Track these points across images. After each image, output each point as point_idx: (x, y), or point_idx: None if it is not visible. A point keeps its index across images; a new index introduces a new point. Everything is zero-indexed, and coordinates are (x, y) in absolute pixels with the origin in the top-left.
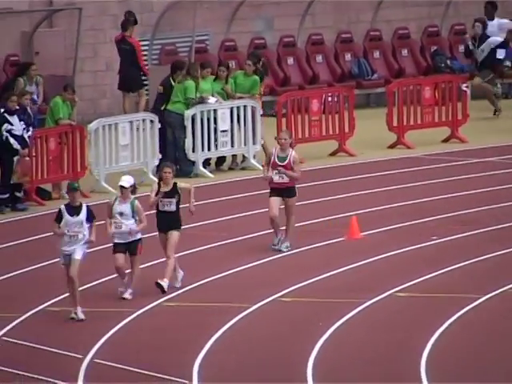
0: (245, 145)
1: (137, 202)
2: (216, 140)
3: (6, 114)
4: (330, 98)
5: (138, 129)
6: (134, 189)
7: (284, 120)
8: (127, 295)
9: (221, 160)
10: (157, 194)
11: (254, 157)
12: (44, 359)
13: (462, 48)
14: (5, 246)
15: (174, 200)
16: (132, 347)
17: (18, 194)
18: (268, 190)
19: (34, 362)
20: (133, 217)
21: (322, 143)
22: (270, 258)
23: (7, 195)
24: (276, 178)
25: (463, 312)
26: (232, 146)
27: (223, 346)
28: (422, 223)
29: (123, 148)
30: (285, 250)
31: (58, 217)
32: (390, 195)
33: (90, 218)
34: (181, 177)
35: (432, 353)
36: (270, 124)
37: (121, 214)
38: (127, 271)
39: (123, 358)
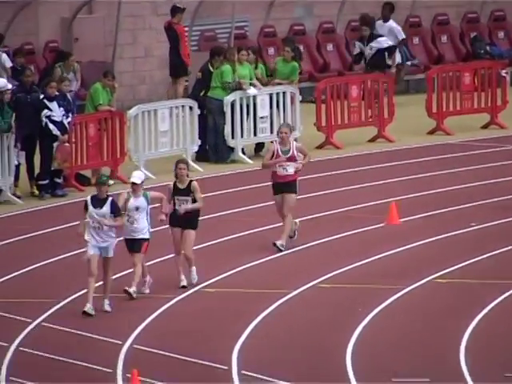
0: None
1: (149, 192)
2: (255, 126)
3: (45, 101)
4: (369, 84)
5: (177, 115)
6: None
7: (323, 106)
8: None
9: (259, 146)
10: (174, 194)
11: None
12: (83, 345)
13: (501, 34)
14: (45, 231)
15: (189, 198)
16: (171, 333)
17: (57, 180)
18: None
19: (73, 347)
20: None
21: (361, 129)
22: (309, 244)
23: (47, 181)
24: (280, 171)
25: (502, 298)
26: (271, 132)
27: (262, 332)
28: (461, 209)
29: (162, 134)
30: (282, 248)
31: (85, 206)
32: (429, 181)
33: (115, 211)
34: (219, 163)
35: (471, 338)
36: (310, 110)
37: (137, 208)
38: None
39: (162, 344)
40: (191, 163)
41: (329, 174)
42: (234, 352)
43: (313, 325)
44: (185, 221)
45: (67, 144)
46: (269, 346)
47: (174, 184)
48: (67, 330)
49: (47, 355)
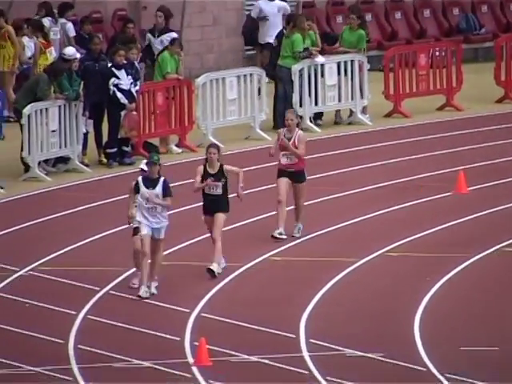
0: (352, 99)
1: (162, 178)
2: (323, 94)
3: (113, 69)
4: (437, 53)
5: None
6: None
7: (391, 74)
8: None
9: (319, 114)
10: (203, 178)
11: (363, 110)
12: (151, 314)
13: None
14: (113, 199)
15: (219, 184)
16: (238, 302)
17: (125, 149)
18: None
19: (141, 316)
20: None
21: (429, 98)
22: (379, 213)
23: (115, 149)
24: (284, 161)
25: None
26: (339, 100)
27: (330, 300)
28: None
29: (230, 102)
30: (297, 234)
31: (135, 188)
32: (497, 149)
33: (167, 192)
34: None
35: None
36: (378, 79)
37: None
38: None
39: (229, 313)
40: (259, 132)
41: (397, 142)
42: (302, 320)
43: (380, 293)
44: (213, 207)
45: (134, 112)
46: (336, 314)
47: (204, 168)
48: (135, 298)
49: (115, 323)
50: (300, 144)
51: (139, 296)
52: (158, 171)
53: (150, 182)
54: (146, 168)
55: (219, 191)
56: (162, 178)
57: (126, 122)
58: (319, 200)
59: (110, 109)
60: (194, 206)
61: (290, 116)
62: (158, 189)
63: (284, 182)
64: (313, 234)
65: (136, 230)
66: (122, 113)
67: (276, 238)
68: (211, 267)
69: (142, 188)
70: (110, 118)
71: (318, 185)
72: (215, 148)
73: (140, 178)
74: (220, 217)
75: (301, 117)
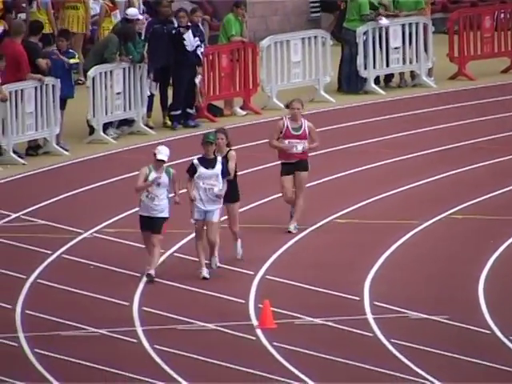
0: (416, 62)
1: (172, 169)
2: (388, 57)
3: (180, 29)
4: (502, 15)
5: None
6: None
7: (456, 37)
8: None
9: (389, 77)
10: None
11: (428, 73)
12: (217, 275)
13: None
14: (178, 161)
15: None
16: (303, 264)
17: (189, 111)
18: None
19: (204, 279)
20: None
21: (493, 60)
22: (443, 175)
23: (179, 112)
24: (290, 149)
25: None
26: (403, 62)
27: (394, 263)
28: None
29: (295, 65)
30: (294, 230)
31: (191, 170)
32: None
33: (225, 172)
34: (351, 93)
35: None
36: (442, 41)
37: (158, 184)
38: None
39: (294, 275)
40: (324, 94)
41: (461, 104)
42: (366, 283)
43: (444, 256)
44: (224, 196)
45: (200, 76)
46: (400, 277)
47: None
48: (196, 260)
49: (180, 286)
50: (313, 134)
51: (204, 278)
52: (214, 150)
53: (208, 163)
54: (164, 158)
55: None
56: (219, 158)
57: (202, 89)
58: (383, 163)
59: (176, 71)
60: (254, 169)
61: (296, 105)
62: (217, 169)
63: (289, 180)
64: (376, 196)
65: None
66: (197, 81)
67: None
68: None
69: (201, 169)
70: (176, 81)
71: (382, 147)
72: (223, 133)
73: (196, 160)
74: (235, 208)
75: (365, 79)
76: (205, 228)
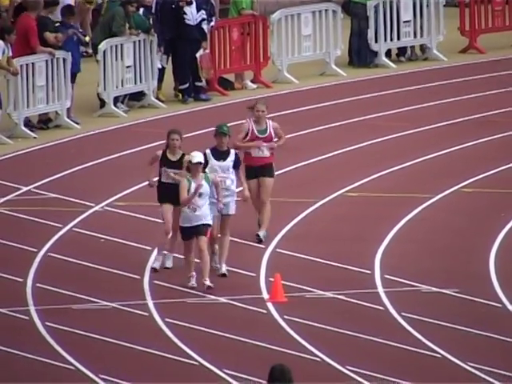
0: (428, 35)
1: (210, 174)
2: (399, 30)
3: (180, 3)
4: None
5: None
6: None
7: (467, 10)
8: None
9: (402, 51)
10: (163, 164)
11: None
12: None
13: None
14: (188, 135)
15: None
16: (314, 237)
17: (198, 84)
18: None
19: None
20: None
21: (504, 33)
22: (453, 149)
23: (187, 85)
24: (256, 153)
25: None
26: (414, 36)
27: (405, 237)
28: None
29: (305, 38)
30: (263, 238)
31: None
32: None
33: (238, 164)
34: (362, 67)
35: None
36: (453, 14)
37: (200, 194)
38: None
39: (305, 249)
40: (335, 68)
41: (471, 78)
42: (377, 257)
43: (455, 230)
44: (174, 197)
45: (207, 51)
46: (411, 250)
47: (164, 154)
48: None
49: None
50: (279, 132)
51: (222, 274)
52: (227, 142)
53: (220, 154)
54: (201, 160)
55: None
56: (232, 150)
57: (204, 64)
58: (393, 136)
59: (179, 45)
60: None
61: (260, 107)
62: (229, 161)
63: (255, 183)
64: (388, 169)
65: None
66: (197, 55)
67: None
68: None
69: (212, 160)
70: (179, 55)
71: (393, 121)
72: (177, 134)
73: (208, 151)
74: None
75: (376, 53)
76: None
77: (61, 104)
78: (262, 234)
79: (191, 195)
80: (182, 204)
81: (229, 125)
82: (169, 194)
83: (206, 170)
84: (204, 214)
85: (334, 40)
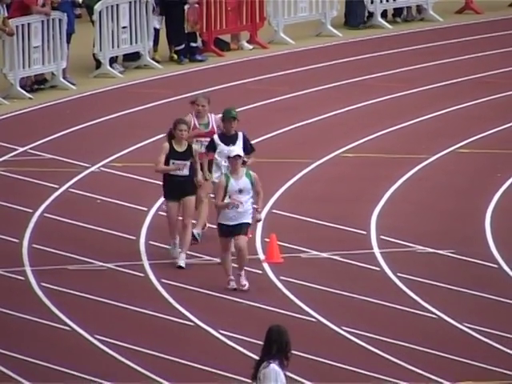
0: None
1: (252, 172)
2: None
3: None
4: None
5: None
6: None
7: None
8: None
9: (398, 11)
10: (168, 156)
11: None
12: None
13: None
14: (186, 96)
15: (187, 163)
16: (309, 198)
17: (193, 45)
18: None
19: (211, 209)
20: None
21: None
22: (449, 110)
23: (183, 46)
24: (197, 147)
25: None
26: None
27: (401, 197)
28: None
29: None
30: (198, 237)
31: (211, 146)
32: None
33: (248, 148)
34: (356, 27)
35: None
36: None
37: (240, 190)
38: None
39: (300, 209)
40: (331, 28)
41: (467, 39)
42: (373, 217)
43: (451, 190)
44: (184, 188)
45: (197, 5)
46: (407, 211)
47: (171, 145)
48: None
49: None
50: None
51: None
52: (235, 127)
53: (228, 139)
54: (240, 153)
55: (186, 172)
56: (240, 133)
57: (190, 16)
58: (389, 97)
59: (173, 6)
60: (263, 102)
61: (201, 101)
62: (239, 144)
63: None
64: (384, 130)
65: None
66: (186, 7)
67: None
68: (180, 264)
69: (221, 145)
70: (174, 16)
71: (389, 82)
72: (184, 124)
73: (216, 136)
74: (192, 201)
75: (372, 13)
76: None
77: (56, 65)
78: (195, 232)
79: (225, 206)
80: (217, 209)
81: (224, 86)
82: (176, 188)
83: (216, 155)
84: (246, 210)
85: (330, 0)
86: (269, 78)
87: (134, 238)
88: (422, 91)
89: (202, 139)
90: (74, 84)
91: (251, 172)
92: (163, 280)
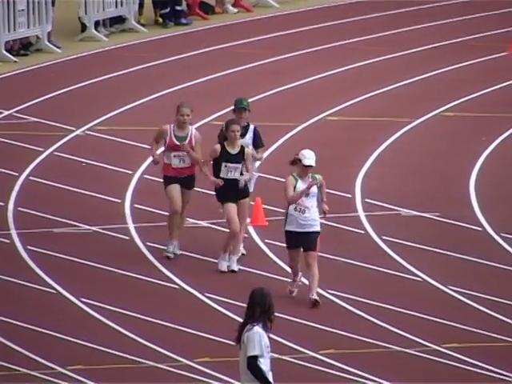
0: None
1: (319, 176)
2: None
3: None
4: None
5: None
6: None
7: None
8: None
9: None
10: (220, 159)
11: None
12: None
13: None
14: (170, 59)
15: (240, 166)
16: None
17: (178, 8)
18: None
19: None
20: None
21: None
22: (434, 73)
23: (168, 9)
24: (176, 163)
25: None
26: None
27: (386, 160)
28: None
29: None
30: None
31: (221, 136)
32: None
33: (258, 142)
34: None
35: None
36: None
37: (306, 194)
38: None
39: (285, 172)
40: None
41: (452, 2)
42: (358, 180)
43: (436, 154)
44: (239, 190)
45: None
46: (392, 174)
47: (223, 147)
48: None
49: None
50: (197, 146)
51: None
52: (246, 118)
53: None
54: (312, 164)
55: (237, 175)
56: (252, 126)
57: None
58: (374, 60)
59: None
60: (249, 65)
61: (185, 110)
62: (249, 137)
63: (177, 188)
64: (369, 94)
65: (290, 240)
66: None
67: (168, 257)
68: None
69: None
70: None
71: (373, 45)
72: (237, 124)
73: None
74: (247, 202)
75: None
76: None
77: (42, 28)
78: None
79: (301, 192)
80: (288, 202)
81: (209, 49)
82: (230, 190)
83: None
84: (313, 217)
85: None
86: (253, 42)
87: (119, 201)
88: (406, 55)
89: (181, 153)
90: (59, 47)
91: (317, 175)
92: (148, 243)
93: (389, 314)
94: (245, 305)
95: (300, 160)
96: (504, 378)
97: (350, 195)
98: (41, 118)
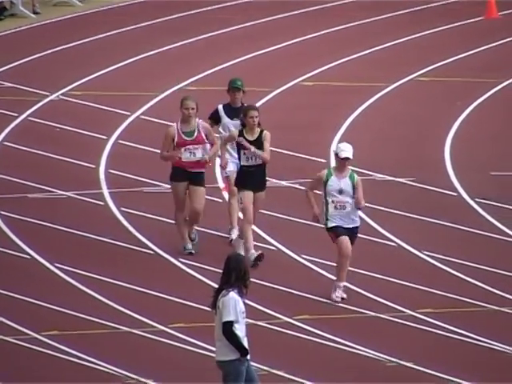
0: None
1: (357, 176)
2: None
3: None
4: None
5: None
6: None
7: None
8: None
9: None
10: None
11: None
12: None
13: None
14: (145, 24)
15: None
16: (269, 126)
17: None
18: None
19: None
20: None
21: None
22: (409, 38)
23: None
24: (186, 156)
25: None
26: None
27: (360, 125)
28: None
29: None
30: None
31: (214, 116)
32: None
33: None
34: None
35: None
36: None
37: (340, 191)
38: None
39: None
40: None
41: None
42: (333, 145)
43: (410, 118)
44: (254, 181)
45: None
46: (366, 139)
47: (241, 134)
48: (163, 122)
49: (146, 148)
50: (210, 136)
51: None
52: (241, 98)
53: (233, 112)
54: (349, 156)
55: (259, 161)
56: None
57: None
58: (349, 25)
59: None
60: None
61: (190, 104)
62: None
63: (182, 188)
64: (344, 58)
65: (337, 231)
66: None
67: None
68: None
69: (225, 119)
70: None
71: (349, 10)
72: (256, 110)
73: (221, 106)
74: (263, 196)
75: None
76: None
77: None
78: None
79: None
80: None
81: (182, 14)
82: (249, 178)
83: (219, 129)
84: (355, 212)
85: None
86: (227, 7)
87: (93, 166)
88: (381, 19)
89: (191, 147)
90: (39, 13)
91: (355, 174)
92: (122, 208)
93: (363, 279)
94: (220, 270)
95: (337, 154)
96: (476, 342)
97: (325, 160)
98: (15, 83)
